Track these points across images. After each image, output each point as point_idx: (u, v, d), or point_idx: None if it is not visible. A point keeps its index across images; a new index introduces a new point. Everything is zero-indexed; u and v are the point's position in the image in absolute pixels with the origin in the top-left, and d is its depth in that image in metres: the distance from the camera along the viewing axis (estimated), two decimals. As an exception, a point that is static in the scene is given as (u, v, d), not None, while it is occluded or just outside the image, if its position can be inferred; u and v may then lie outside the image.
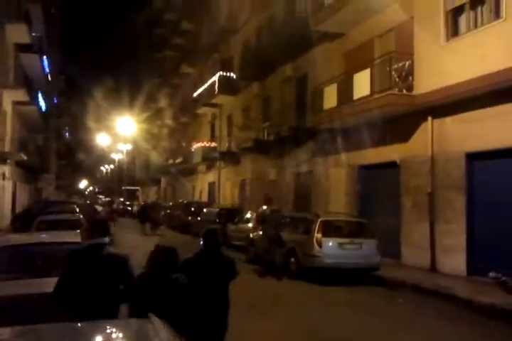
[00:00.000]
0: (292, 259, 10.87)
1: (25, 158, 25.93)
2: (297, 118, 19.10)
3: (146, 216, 25.46)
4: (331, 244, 10.31)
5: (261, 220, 12.61)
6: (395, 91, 12.30)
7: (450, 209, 11.25)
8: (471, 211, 10.84)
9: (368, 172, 14.76)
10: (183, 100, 36.83)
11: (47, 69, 36.03)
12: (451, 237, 11.13)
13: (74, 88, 55.25)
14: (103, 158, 77.66)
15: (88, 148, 70.63)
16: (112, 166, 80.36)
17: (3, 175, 24.31)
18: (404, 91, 12.43)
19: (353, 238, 10.58)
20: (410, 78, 12.54)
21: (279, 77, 21.36)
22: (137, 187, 59.55)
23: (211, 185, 31.17)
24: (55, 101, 47.87)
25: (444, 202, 11.47)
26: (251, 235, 13.76)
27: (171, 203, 33.86)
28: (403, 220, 12.76)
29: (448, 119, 11.65)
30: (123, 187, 59.08)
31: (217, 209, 20.61)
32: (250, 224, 15.75)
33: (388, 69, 12.52)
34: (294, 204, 19.09)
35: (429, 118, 12.06)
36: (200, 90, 31.18)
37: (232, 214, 19.08)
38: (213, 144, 29.61)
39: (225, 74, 27.43)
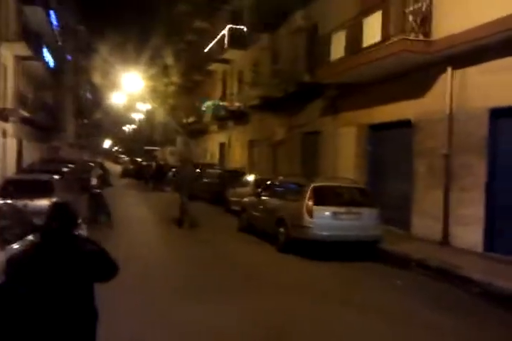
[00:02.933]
0: (281, 229, 9.55)
1: (27, 114, 24.93)
2: (306, 73, 17.37)
3: (153, 175, 27.85)
4: (324, 213, 8.92)
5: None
6: (411, 36, 10.50)
7: (468, 174, 9.67)
8: (493, 177, 9.24)
9: (380, 132, 13.15)
10: (196, 57, 35.14)
11: (55, 24, 34.59)
12: (467, 207, 9.61)
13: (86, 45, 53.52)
14: (121, 117, 76.98)
15: (105, 107, 69.76)
16: (133, 126, 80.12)
17: (4, 132, 23.38)
18: (421, 37, 10.62)
19: (351, 206, 9.13)
20: (427, 24, 10.70)
21: (289, 28, 19.49)
22: (155, 148, 59.56)
23: (222, 145, 29.93)
24: (69, 57, 46.58)
25: (461, 167, 9.88)
26: (245, 200, 12.49)
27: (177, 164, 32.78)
28: (415, 186, 11.25)
29: (471, 70, 9.87)
30: (144, 147, 59.84)
31: (219, 172, 19.34)
32: (248, 188, 14.47)
33: (403, 11, 10.68)
34: (301, 168, 17.68)
35: (449, 69, 10.29)
36: (210, 45, 29.49)
37: (236, 176, 17.82)
38: (223, 102, 28.13)
39: (235, 27, 25.67)
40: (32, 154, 30.76)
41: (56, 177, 11.91)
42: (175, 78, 39.09)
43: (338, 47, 13.22)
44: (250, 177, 15.75)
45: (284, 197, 10.18)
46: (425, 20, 10.63)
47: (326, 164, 15.64)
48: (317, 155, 16.42)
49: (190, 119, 35.76)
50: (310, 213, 8.80)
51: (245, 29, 24.98)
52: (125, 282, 6.58)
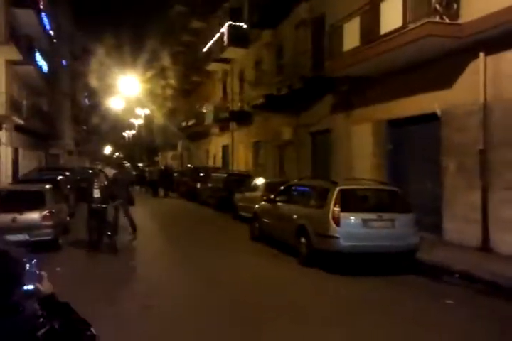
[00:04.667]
0: (302, 239, 8.43)
1: (21, 122, 23.87)
2: (313, 68, 16.31)
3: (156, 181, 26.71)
4: (352, 220, 7.79)
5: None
6: (436, 18, 9.42)
7: (510, 171, 8.59)
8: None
9: (400, 127, 12.05)
10: (194, 58, 34.14)
11: (48, 27, 33.61)
12: (510, 208, 8.52)
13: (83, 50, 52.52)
14: (120, 122, 75.98)
15: (103, 113, 68.69)
16: (132, 131, 79.20)
17: (-3, 140, 22.34)
18: (447, 20, 9.54)
19: (383, 212, 7.97)
20: (455, 5, 9.63)
21: (292, 22, 18.46)
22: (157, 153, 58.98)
23: (225, 148, 28.85)
24: (64, 62, 45.53)
25: (501, 163, 8.80)
26: (256, 206, 11.38)
27: (179, 168, 31.81)
28: (445, 187, 10.14)
29: (506, 55, 8.81)
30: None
31: (225, 175, 18.26)
32: (258, 193, 13.38)
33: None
34: (312, 169, 16.58)
35: (481, 55, 9.22)
36: (209, 44, 28.46)
37: (242, 180, 16.74)
38: (225, 103, 27.08)
39: (234, 24, 24.62)
40: (29, 163, 29.67)
41: (48, 187, 10.81)
42: (172, 80, 38.03)
43: (351, 36, 12.13)
44: (259, 181, 14.65)
45: (304, 203, 9.05)
46: (451, 1, 9.56)
47: (340, 165, 14.54)
48: (329, 156, 15.32)
49: (190, 122, 34.74)
50: (336, 221, 7.68)
51: (245, 26, 23.94)
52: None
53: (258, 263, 8.92)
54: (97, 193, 10.18)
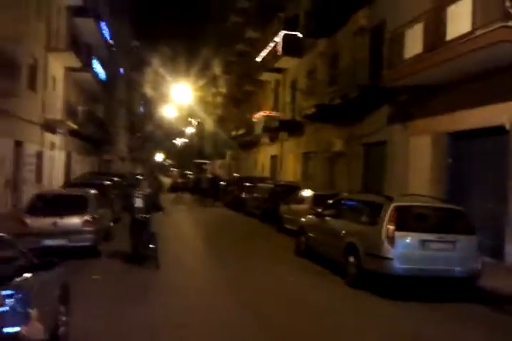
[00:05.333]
0: (351, 259, 7.75)
1: (75, 127, 24.35)
2: (370, 77, 15.60)
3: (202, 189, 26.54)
4: (409, 240, 7.04)
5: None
6: (510, 23, 8.58)
7: None
8: None
9: (462, 141, 11.16)
10: (248, 67, 34.07)
11: (107, 37, 34.57)
12: None
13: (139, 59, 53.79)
14: (172, 130, 77.32)
15: (157, 120, 70.11)
16: (183, 140, 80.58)
17: (52, 144, 22.82)
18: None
19: (443, 233, 7.16)
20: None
21: (350, 30, 17.83)
22: (205, 161, 59.50)
23: (273, 158, 28.40)
24: (121, 71, 46.71)
25: None
26: (302, 220, 10.77)
27: (227, 177, 31.58)
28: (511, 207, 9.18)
29: None
30: (194, 161, 60.97)
31: (272, 186, 17.74)
32: (305, 206, 12.76)
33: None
34: (362, 183, 15.78)
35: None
36: (263, 53, 28.24)
37: (289, 191, 16.16)
38: (275, 113, 26.67)
39: (289, 33, 24.27)
40: (82, 167, 30.31)
41: (92, 191, 10.63)
42: (222, 89, 38.22)
43: (413, 43, 11.39)
44: (306, 193, 14.02)
45: (354, 219, 8.36)
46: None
47: (394, 179, 13.69)
48: (382, 169, 14.50)
49: (240, 131, 34.59)
50: (391, 240, 6.96)
51: (300, 35, 23.52)
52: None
53: (302, 281, 8.29)
54: (139, 202, 9.36)
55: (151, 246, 9.02)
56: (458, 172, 11.23)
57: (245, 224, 17.66)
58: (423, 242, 6.99)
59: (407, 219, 7.25)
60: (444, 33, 10.11)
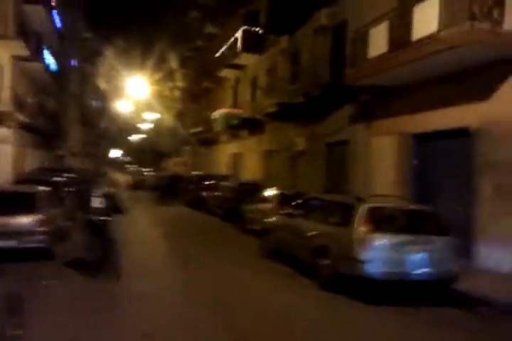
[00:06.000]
0: (323, 261, 7.58)
1: (25, 119, 23.14)
2: (331, 75, 15.57)
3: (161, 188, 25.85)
4: (382, 243, 6.94)
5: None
6: (476, 25, 8.63)
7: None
8: None
9: (427, 142, 11.22)
10: (206, 63, 33.56)
11: (58, 26, 33.18)
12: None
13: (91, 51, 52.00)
14: (128, 126, 75.54)
15: (111, 116, 68.25)
16: (140, 136, 78.92)
17: (1, 138, 21.61)
18: (489, 26, 8.74)
19: (417, 234, 7.14)
20: (497, 11, 8.85)
21: (311, 28, 17.75)
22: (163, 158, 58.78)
23: (234, 156, 28.08)
24: (73, 63, 45.06)
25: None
26: (267, 220, 10.55)
27: (186, 175, 31.00)
28: (480, 210, 9.23)
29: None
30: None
31: (235, 185, 17.46)
32: (269, 205, 12.56)
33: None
34: (325, 184, 15.73)
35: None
36: (222, 49, 27.84)
37: (252, 190, 15.92)
38: (235, 111, 26.35)
39: (249, 29, 23.99)
40: (33, 163, 28.95)
41: (43, 189, 9.98)
42: (180, 83, 37.56)
43: (377, 43, 11.34)
44: (271, 192, 13.82)
45: (324, 220, 8.20)
46: (493, 7, 8.79)
47: (357, 179, 13.70)
48: (345, 169, 14.49)
49: (199, 128, 34.05)
50: (363, 243, 6.84)
51: (261, 31, 23.27)
52: None
53: (270, 284, 8.05)
54: (97, 202, 8.13)
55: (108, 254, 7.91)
56: (423, 174, 11.30)
57: (207, 223, 17.29)
58: (397, 244, 6.91)
59: (380, 221, 7.15)
60: (409, 33, 10.10)
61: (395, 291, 7.44)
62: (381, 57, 11.05)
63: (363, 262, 6.83)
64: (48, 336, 5.15)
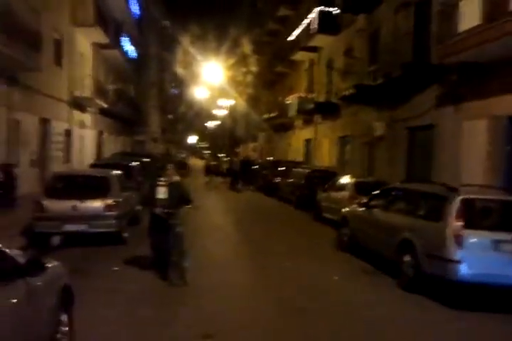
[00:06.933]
0: (407, 258, 6.84)
1: (105, 105, 23.77)
2: (414, 54, 14.42)
3: (234, 173, 25.33)
4: (480, 241, 6.06)
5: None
6: None
7: None
8: None
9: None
10: (279, 47, 32.86)
11: (136, 14, 33.89)
12: None
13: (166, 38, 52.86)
14: (204, 112, 76.83)
15: (188, 102, 69.55)
16: (216, 122, 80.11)
17: (81, 122, 22.34)
18: None
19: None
20: None
21: (392, 4, 16.55)
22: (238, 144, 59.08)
23: (308, 142, 27.37)
24: (152, 51, 45.98)
25: None
26: (344, 210, 9.86)
27: (260, 161, 30.72)
28: None
29: None
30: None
31: (308, 171, 16.83)
32: (345, 193, 11.85)
33: None
34: (405, 172, 14.69)
35: None
36: (296, 32, 26.99)
37: (326, 177, 15.24)
38: (310, 95, 25.54)
39: (325, 9, 22.96)
40: (114, 147, 29.83)
41: (116, 172, 9.89)
42: (253, 67, 37.20)
43: (469, 15, 10.19)
44: (345, 179, 13.06)
45: (409, 212, 7.39)
46: None
47: (444, 167, 12.58)
48: (430, 156, 13.39)
49: (273, 114, 33.58)
50: (458, 240, 6.01)
51: (337, 11, 22.21)
52: None
53: (347, 282, 7.41)
54: (161, 192, 7.10)
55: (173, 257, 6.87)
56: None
57: (279, 211, 16.86)
58: (496, 243, 6.01)
59: (477, 215, 6.28)
60: (507, 2, 8.93)
61: (491, 296, 6.54)
62: (473, 30, 9.90)
63: (455, 262, 6.01)
64: (99, 332, 4.89)
